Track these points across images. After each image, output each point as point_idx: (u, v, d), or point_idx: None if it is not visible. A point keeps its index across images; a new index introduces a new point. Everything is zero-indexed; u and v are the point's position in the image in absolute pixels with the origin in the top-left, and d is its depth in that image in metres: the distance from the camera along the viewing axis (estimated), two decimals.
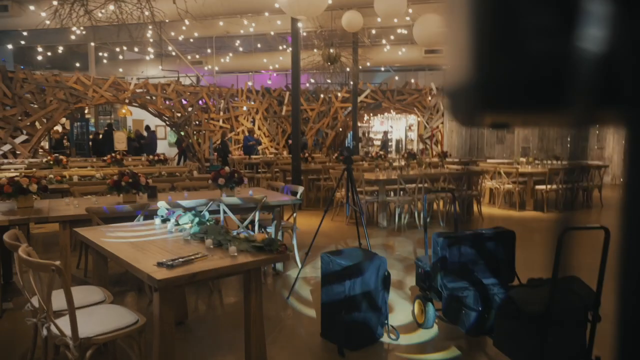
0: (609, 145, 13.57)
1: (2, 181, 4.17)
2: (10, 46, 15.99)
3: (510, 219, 8.16)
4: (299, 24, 7.39)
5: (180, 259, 2.53)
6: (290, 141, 14.80)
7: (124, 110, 16.91)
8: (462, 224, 7.61)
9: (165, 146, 18.75)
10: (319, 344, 3.37)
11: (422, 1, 9.45)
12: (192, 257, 2.59)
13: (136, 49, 16.44)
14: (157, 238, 3.12)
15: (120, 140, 14.85)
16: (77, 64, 17.06)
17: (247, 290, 2.79)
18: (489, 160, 11.74)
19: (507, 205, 9.58)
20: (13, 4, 11.62)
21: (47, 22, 5.96)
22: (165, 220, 3.57)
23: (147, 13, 6.68)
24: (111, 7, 5.87)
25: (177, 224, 3.40)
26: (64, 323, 2.45)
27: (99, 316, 2.60)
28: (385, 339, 3.40)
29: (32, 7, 11.28)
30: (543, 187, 8.84)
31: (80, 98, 12.38)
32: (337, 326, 3.26)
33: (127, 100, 13.60)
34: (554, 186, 8.92)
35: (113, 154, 9.23)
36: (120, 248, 2.82)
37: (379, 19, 10.11)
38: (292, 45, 8.52)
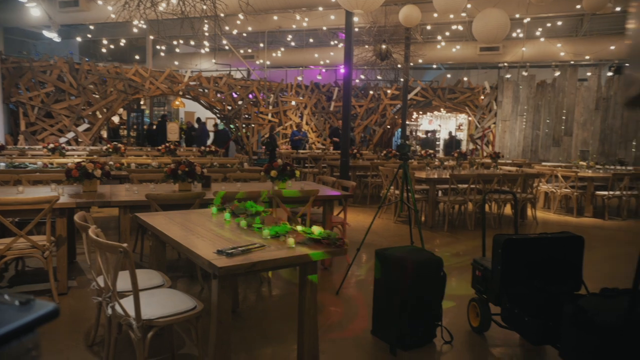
0: None
1: (70, 166, 4.37)
2: (79, 39, 16.78)
3: (567, 225, 7.78)
4: (355, 19, 7.32)
5: (239, 248, 2.55)
6: (334, 138, 14.75)
7: (177, 102, 17.44)
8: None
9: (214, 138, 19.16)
10: (370, 341, 3.33)
11: None
12: (250, 246, 2.61)
13: (192, 43, 16.88)
14: (214, 226, 3.17)
15: (173, 131, 15.34)
16: (137, 57, 17.73)
17: (303, 283, 2.78)
18: (543, 163, 11.25)
19: (564, 210, 9.16)
20: None
21: (113, 15, 6.21)
22: (221, 210, 3.63)
23: (204, 7, 6.85)
24: (173, 0, 6.04)
25: (233, 213, 3.45)
26: (127, 304, 2.53)
27: (159, 299, 2.66)
28: (438, 340, 3.32)
29: (100, 2, 11.79)
30: (605, 193, 8.37)
31: (137, 89, 12.86)
32: (389, 325, 3.20)
33: (180, 93, 14.01)
34: (617, 192, 8.43)
35: (167, 144, 9.51)
36: (180, 234, 2.89)
37: (435, 15, 9.88)
38: (346, 39, 8.47)
